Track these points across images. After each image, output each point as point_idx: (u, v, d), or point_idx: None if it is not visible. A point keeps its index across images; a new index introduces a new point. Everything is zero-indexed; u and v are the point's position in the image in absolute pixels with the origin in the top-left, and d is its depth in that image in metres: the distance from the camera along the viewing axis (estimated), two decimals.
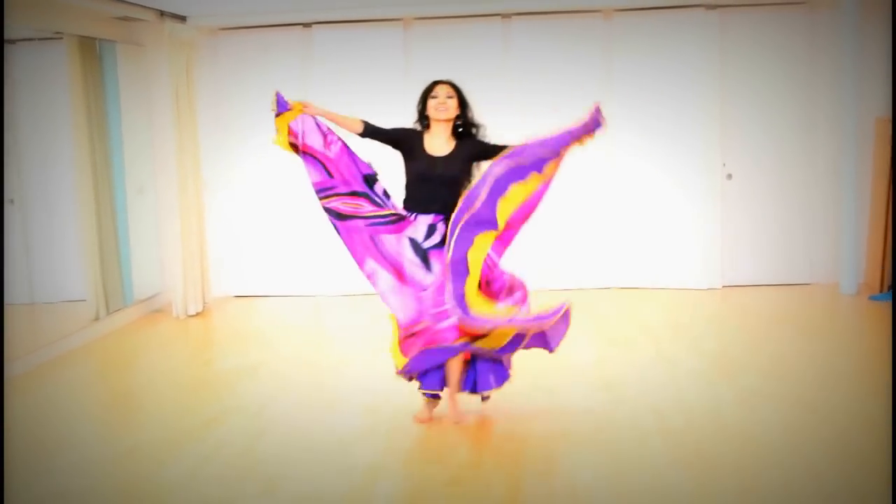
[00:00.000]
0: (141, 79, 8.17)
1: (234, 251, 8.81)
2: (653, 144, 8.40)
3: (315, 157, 4.79)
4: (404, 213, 4.81)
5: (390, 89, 8.38)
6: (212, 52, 8.61)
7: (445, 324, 4.67)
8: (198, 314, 8.06)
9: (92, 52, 7.42)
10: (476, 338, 4.69)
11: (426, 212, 4.76)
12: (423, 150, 4.80)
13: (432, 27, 8.47)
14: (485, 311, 4.60)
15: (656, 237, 8.50)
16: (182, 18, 8.02)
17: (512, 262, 4.95)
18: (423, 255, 4.74)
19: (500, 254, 4.77)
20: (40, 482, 4.34)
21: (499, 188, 4.63)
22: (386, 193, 4.88)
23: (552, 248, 8.50)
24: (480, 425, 4.88)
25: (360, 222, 4.78)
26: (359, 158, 4.88)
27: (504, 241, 4.76)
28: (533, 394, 5.38)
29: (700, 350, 6.29)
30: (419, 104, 4.90)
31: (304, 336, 7.37)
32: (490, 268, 4.71)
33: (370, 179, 4.86)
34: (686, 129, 8.34)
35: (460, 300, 4.57)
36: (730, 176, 8.46)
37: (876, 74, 7.88)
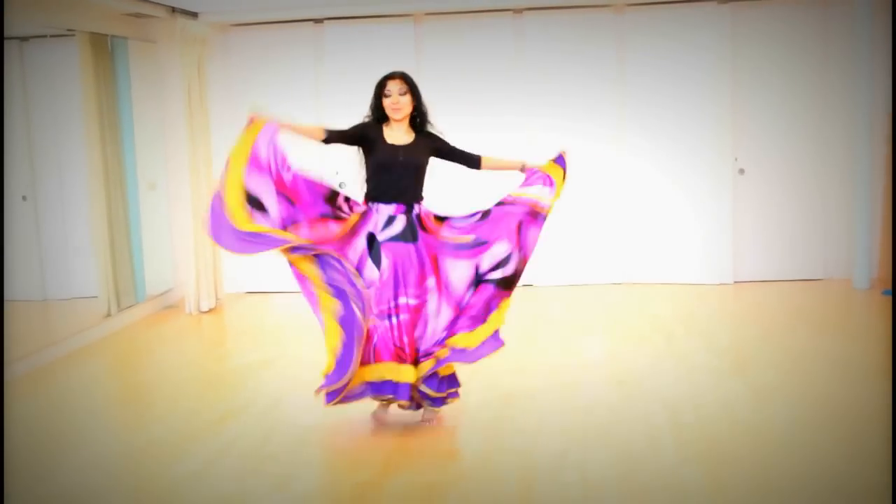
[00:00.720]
0: (153, 75, 8.19)
1: None
2: (664, 139, 8.38)
3: (277, 189, 4.50)
4: (364, 207, 4.72)
5: None
6: (223, 48, 8.63)
7: (386, 323, 4.65)
8: (210, 310, 8.08)
9: (104, 49, 7.44)
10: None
11: (387, 201, 4.67)
12: (384, 141, 4.70)
13: (443, 22, 8.46)
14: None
15: (668, 232, 8.47)
16: (194, 15, 8.03)
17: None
18: (377, 249, 4.66)
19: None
20: (50, 480, 4.35)
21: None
22: (347, 199, 4.71)
23: (564, 244, 8.49)
24: (491, 421, 4.88)
25: (331, 247, 4.59)
26: (314, 181, 4.63)
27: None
28: (545, 389, 5.38)
29: (712, 345, 6.27)
30: (374, 99, 4.77)
31: (317, 332, 7.32)
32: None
33: (331, 197, 4.67)
34: (698, 124, 8.31)
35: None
36: (742, 171, 8.42)
37: (889, 69, 7.82)
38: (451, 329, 4.72)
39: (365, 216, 4.70)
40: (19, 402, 5.58)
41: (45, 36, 6.92)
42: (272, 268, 8.77)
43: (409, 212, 4.68)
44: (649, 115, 8.37)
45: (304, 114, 8.55)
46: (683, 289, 8.25)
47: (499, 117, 8.42)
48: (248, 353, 6.68)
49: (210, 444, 4.69)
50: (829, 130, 8.30)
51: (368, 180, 4.75)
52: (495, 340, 4.71)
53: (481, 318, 4.71)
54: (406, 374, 4.62)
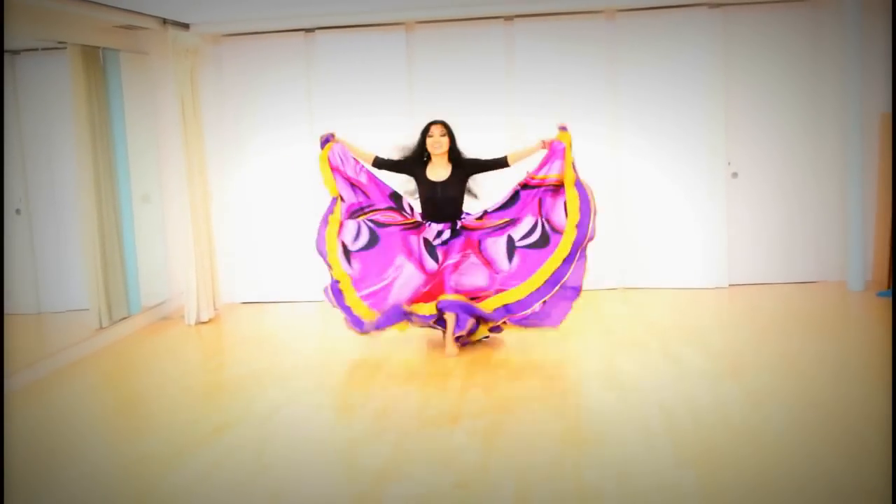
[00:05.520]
0: (145, 86, 8.19)
1: (242, 258, 8.81)
2: (658, 144, 8.38)
3: (351, 183, 6.52)
4: (422, 220, 6.52)
5: (394, 94, 8.40)
6: (215, 59, 8.63)
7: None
8: (207, 321, 8.06)
9: (95, 61, 7.44)
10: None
11: (436, 221, 6.46)
12: (427, 177, 6.42)
13: (434, 30, 8.46)
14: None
15: (662, 237, 8.48)
16: (185, 26, 8.04)
17: None
18: (432, 250, 6.42)
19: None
20: (47, 493, 4.34)
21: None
22: (411, 207, 6.57)
23: None
24: (488, 428, 4.88)
25: (396, 228, 6.50)
26: (383, 183, 6.58)
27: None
28: (541, 394, 5.38)
29: (708, 349, 6.28)
30: (420, 140, 6.44)
31: (314, 341, 7.37)
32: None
33: (397, 196, 6.56)
34: (691, 128, 8.32)
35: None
36: (735, 174, 8.44)
37: (880, 70, 7.85)
38: (499, 288, 6.29)
39: (422, 226, 6.50)
40: (17, 414, 5.57)
41: (36, 49, 6.93)
42: (268, 278, 8.80)
43: (453, 226, 6.45)
44: (642, 120, 8.38)
45: (296, 123, 8.57)
46: (678, 293, 8.26)
47: (492, 125, 8.40)
48: (245, 363, 6.67)
49: (207, 455, 4.68)
50: (820, 132, 8.32)
51: (421, 205, 6.53)
52: (548, 288, 6.25)
53: (524, 277, 6.28)
54: (428, 309, 6.28)
